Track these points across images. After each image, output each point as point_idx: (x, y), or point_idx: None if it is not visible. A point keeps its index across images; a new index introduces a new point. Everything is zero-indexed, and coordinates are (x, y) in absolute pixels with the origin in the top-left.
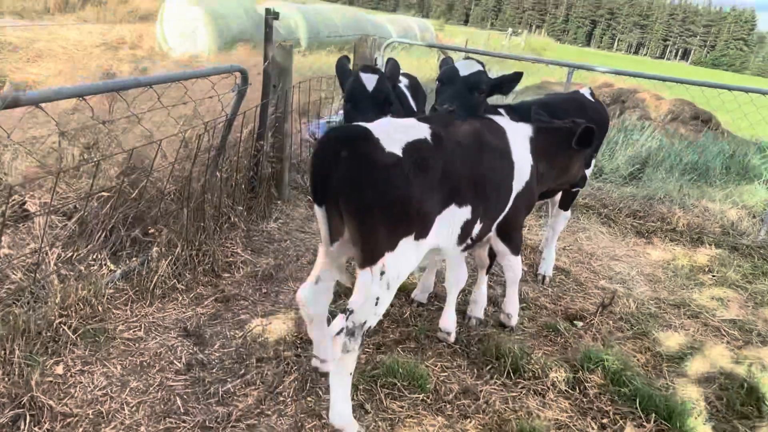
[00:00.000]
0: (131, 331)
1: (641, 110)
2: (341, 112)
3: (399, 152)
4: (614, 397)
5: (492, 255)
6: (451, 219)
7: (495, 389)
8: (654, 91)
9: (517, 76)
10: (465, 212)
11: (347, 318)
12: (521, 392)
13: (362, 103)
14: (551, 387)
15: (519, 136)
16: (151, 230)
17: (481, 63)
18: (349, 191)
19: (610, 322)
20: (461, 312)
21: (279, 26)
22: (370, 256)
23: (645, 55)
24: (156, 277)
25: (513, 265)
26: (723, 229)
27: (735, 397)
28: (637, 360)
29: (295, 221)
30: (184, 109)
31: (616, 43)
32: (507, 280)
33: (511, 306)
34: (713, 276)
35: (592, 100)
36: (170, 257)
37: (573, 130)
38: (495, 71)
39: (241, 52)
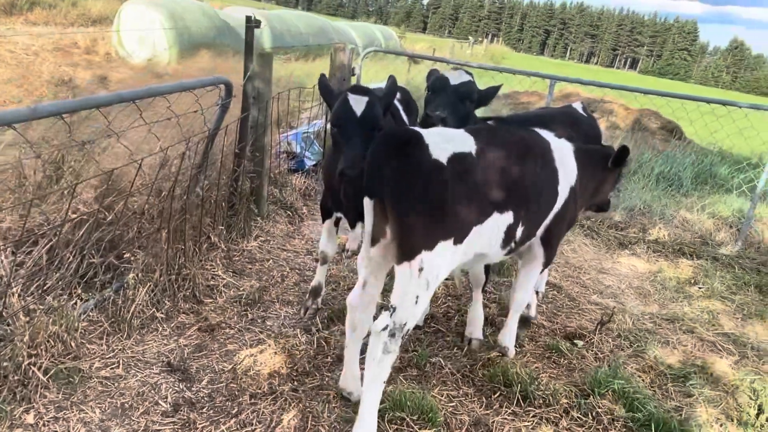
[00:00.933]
0: (109, 369)
1: (610, 120)
2: (317, 122)
3: (444, 160)
4: (628, 422)
5: (486, 272)
6: (495, 226)
7: (506, 419)
8: (621, 101)
9: (495, 90)
10: (507, 217)
11: (390, 315)
12: (533, 421)
13: (349, 129)
14: (564, 414)
15: (564, 148)
16: (126, 254)
17: (470, 74)
18: (395, 186)
19: (609, 339)
20: (459, 334)
21: (242, 33)
22: (407, 249)
23: (596, 63)
24: (133, 306)
25: (531, 279)
26: (702, 240)
27: (746, 418)
28: (643, 380)
29: (276, 239)
30: (163, 122)
31: (568, 52)
32: (513, 303)
33: (510, 338)
34: (699, 288)
35: (585, 114)
36: (148, 283)
37: (607, 151)
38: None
39: (205, 59)
